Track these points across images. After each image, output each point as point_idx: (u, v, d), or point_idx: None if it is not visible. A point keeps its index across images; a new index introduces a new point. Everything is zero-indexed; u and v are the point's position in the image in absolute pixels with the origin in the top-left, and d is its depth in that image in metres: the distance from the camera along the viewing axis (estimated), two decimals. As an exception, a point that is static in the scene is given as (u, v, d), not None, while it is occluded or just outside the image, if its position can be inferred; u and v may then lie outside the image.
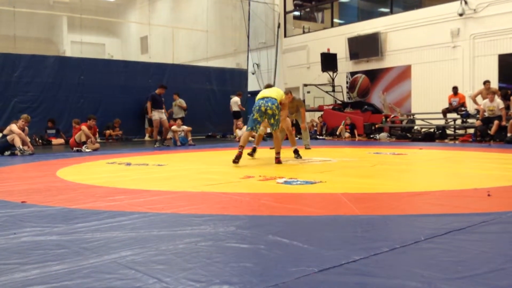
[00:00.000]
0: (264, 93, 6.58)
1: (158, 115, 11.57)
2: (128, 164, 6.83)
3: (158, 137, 11.75)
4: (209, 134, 16.80)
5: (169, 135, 12.58)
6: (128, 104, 14.93)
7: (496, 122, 10.98)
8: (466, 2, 13.50)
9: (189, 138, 11.98)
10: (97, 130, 11.84)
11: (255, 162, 6.79)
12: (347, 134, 14.60)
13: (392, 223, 2.80)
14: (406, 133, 13.69)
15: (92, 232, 2.59)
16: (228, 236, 2.46)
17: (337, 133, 14.72)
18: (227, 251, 2.21)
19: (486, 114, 11.33)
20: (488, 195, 3.49)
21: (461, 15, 13.60)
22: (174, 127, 11.99)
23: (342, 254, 2.08)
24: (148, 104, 11.69)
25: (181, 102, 14.44)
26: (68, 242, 2.38)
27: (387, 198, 3.65)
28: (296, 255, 2.10)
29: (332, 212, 3.12)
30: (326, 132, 15.63)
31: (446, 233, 2.41)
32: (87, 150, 9.90)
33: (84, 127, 10.13)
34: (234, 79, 17.83)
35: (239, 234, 2.50)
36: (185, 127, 12.11)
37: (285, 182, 4.52)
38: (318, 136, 15.35)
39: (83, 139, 10.07)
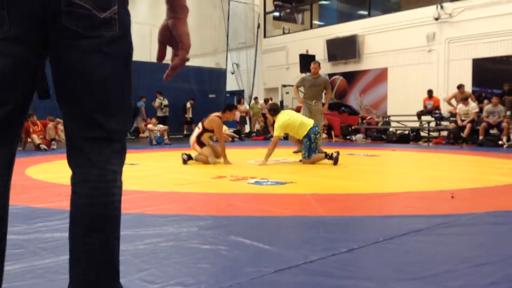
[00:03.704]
0: (305, 119, 6.67)
1: None
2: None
3: None
4: (187, 133, 16.70)
5: (145, 133, 12.48)
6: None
7: (468, 125, 11.18)
8: (442, 7, 13.72)
9: (165, 137, 11.88)
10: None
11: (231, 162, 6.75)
12: (324, 135, 14.69)
13: (355, 224, 2.83)
14: (382, 134, 13.86)
15: (52, 232, 2.55)
16: (190, 236, 2.46)
17: (314, 134, 14.78)
18: (186, 251, 2.20)
19: (463, 118, 11.38)
20: (452, 197, 3.55)
21: (437, 19, 13.82)
22: (150, 126, 11.87)
23: (300, 255, 2.09)
24: None
25: (156, 101, 14.39)
26: (26, 242, 2.34)
27: (354, 199, 3.69)
28: (255, 256, 2.10)
29: (297, 213, 3.14)
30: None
31: (404, 234, 2.44)
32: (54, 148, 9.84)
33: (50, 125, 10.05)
34: (213, 78, 17.78)
35: (201, 234, 2.50)
36: (161, 126, 12.01)
37: (256, 183, 4.53)
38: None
39: (52, 135, 9.97)
